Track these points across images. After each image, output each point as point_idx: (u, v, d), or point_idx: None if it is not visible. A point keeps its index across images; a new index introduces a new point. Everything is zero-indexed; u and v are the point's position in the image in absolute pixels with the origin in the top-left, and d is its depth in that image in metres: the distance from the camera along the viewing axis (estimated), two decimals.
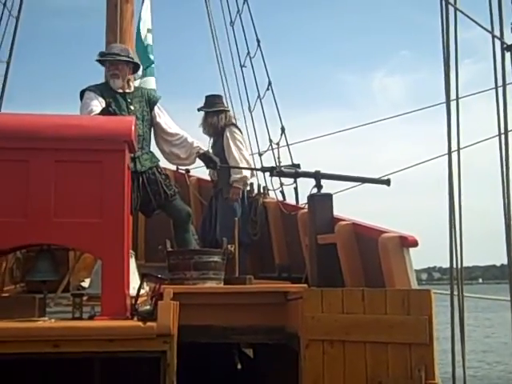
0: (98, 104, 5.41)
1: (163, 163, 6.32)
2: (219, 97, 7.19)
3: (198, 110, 7.11)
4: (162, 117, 5.85)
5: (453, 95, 3.72)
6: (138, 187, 5.48)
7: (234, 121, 6.95)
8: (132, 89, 5.70)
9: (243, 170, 6.56)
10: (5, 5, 7.94)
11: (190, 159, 6.03)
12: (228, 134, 6.70)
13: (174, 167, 7.44)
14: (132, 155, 5.30)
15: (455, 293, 3.68)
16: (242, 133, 6.93)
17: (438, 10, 3.67)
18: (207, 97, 7.15)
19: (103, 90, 5.56)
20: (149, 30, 8.54)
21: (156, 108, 5.80)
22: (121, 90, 5.61)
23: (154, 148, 5.91)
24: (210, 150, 6.54)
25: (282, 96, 7.36)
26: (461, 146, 3.75)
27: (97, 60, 5.73)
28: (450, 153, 3.68)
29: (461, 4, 3.71)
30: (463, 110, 3.80)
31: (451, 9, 3.65)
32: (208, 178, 7.30)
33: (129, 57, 5.74)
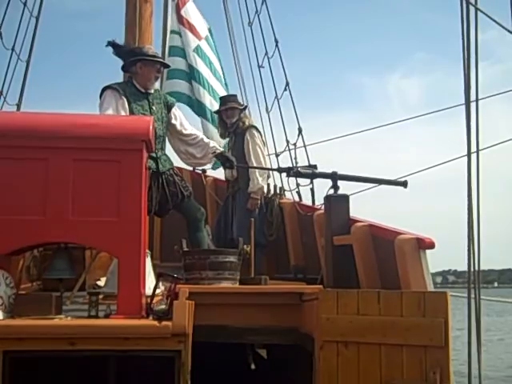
0: (119, 104, 5.41)
1: (180, 164, 6.35)
2: (233, 96, 7.25)
3: (215, 112, 7.19)
4: (178, 118, 5.87)
5: (472, 97, 3.69)
6: (157, 188, 5.49)
7: (253, 122, 7.01)
8: (153, 90, 5.71)
9: (260, 181, 6.60)
10: (25, 4, 8.00)
11: (206, 159, 6.04)
12: (248, 137, 6.73)
13: (190, 167, 7.50)
14: (154, 155, 5.33)
15: (472, 296, 3.65)
16: (261, 134, 6.97)
17: (458, 10, 3.64)
18: (221, 98, 7.26)
19: (126, 89, 5.55)
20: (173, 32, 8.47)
21: (173, 109, 5.83)
22: (143, 90, 5.61)
23: (167, 150, 5.92)
24: (229, 150, 6.60)
25: (298, 97, 7.36)
26: (480, 148, 3.72)
27: (133, 59, 5.64)
28: (469, 154, 3.66)
29: (480, 5, 3.68)
30: (480, 111, 3.77)
31: (472, 10, 3.62)
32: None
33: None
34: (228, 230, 6.70)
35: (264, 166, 6.77)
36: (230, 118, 6.90)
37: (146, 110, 5.54)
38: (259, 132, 6.93)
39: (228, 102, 6.98)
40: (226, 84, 8.64)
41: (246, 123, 6.85)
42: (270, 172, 6.97)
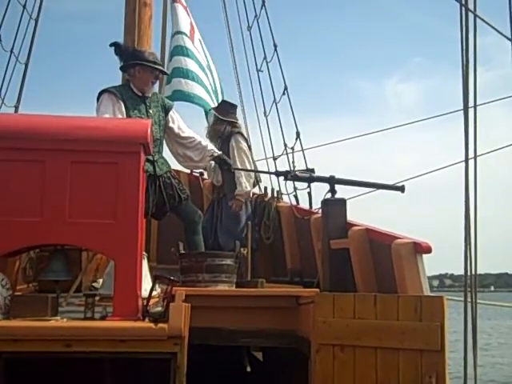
0: (116, 108, 5.41)
1: (177, 167, 6.35)
2: (234, 107, 7.25)
3: (210, 109, 7.20)
4: (176, 121, 5.86)
5: (470, 102, 3.70)
6: (154, 191, 5.49)
7: (240, 129, 7.04)
8: (150, 93, 5.72)
9: (248, 186, 6.66)
10: (24, 7, 7.99)
11: (204, 162, 6.03)
12: (234, 144, 6.77)
13: (187, 170, 7.51)
14: (151, 158, 5.32)
15: (468, 300, 3.65)
16: (247, 141, 7.02)
17: (456, 16, 3.65)
18: (224, 102, 7.26)
19: (123, 92, 5.55)
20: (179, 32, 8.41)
21: (171, 113, 5.82)
22: (140, 94, 5.61)
23: (164, 153, 5.92)
24: None
25: (295, 101, 7.36)
26: (477, 154, 3.72)
27: (134, 63, 5.62)
28: (467, 160, 3.66)
29: (478, 10, 3.69)
30: (478, 117, 3.78)
31: (470, 16, 3.62)
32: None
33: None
34: (213, 235, 6.71)
35: (249, 173, 6.79)
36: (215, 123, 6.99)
37: (142, 114, 5.53)
38: (244, 138, 6.95)
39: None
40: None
41: (229, 129, 6.90)
42: (267, 176, 6.99)
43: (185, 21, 8.40)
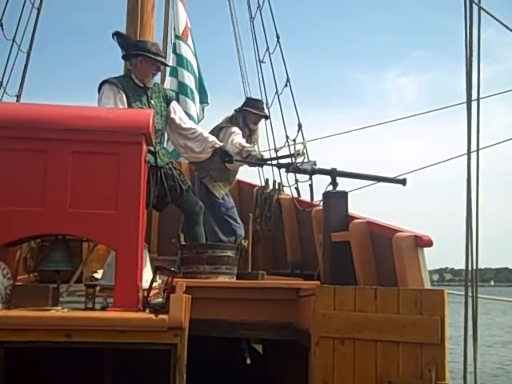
0: (117, 99, 5.39)
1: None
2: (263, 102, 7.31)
3: (237, 110, 7.12)
4: (177, 112, 5.84)
5: (473, 96, 3.68)
6: (155, 182, 5.47)
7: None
8: (152, 84, 5.69)
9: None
10: None
11: (205, 153, 6.01)
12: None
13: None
14: (152, 149, 5.31)
15: (469, 294, 3.65)
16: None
17: (460, 9, 3.63)
18: (254, 99, 7.28)
19: (124, 83, 5.52)
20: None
21: (172, 103, 5.81)
22: (142, 85, 5.58)
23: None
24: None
25: (296, 93, 7.37)
26: (480, 147, 3.71)
27: (136, 53, 5.59)
28: (469, 153, 3.65)
29: (483, 3, 3.67)
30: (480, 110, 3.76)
31: (475, 8, 3.61)
32: None
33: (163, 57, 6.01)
34: None
35: None
36: (256, 124, 6.92)
37: (144, 105, 5.51)
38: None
39: (263, 110, 7.04)
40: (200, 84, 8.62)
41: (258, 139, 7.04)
42: (269, 168, 7.00)
43: (182, 16, 8.40)
